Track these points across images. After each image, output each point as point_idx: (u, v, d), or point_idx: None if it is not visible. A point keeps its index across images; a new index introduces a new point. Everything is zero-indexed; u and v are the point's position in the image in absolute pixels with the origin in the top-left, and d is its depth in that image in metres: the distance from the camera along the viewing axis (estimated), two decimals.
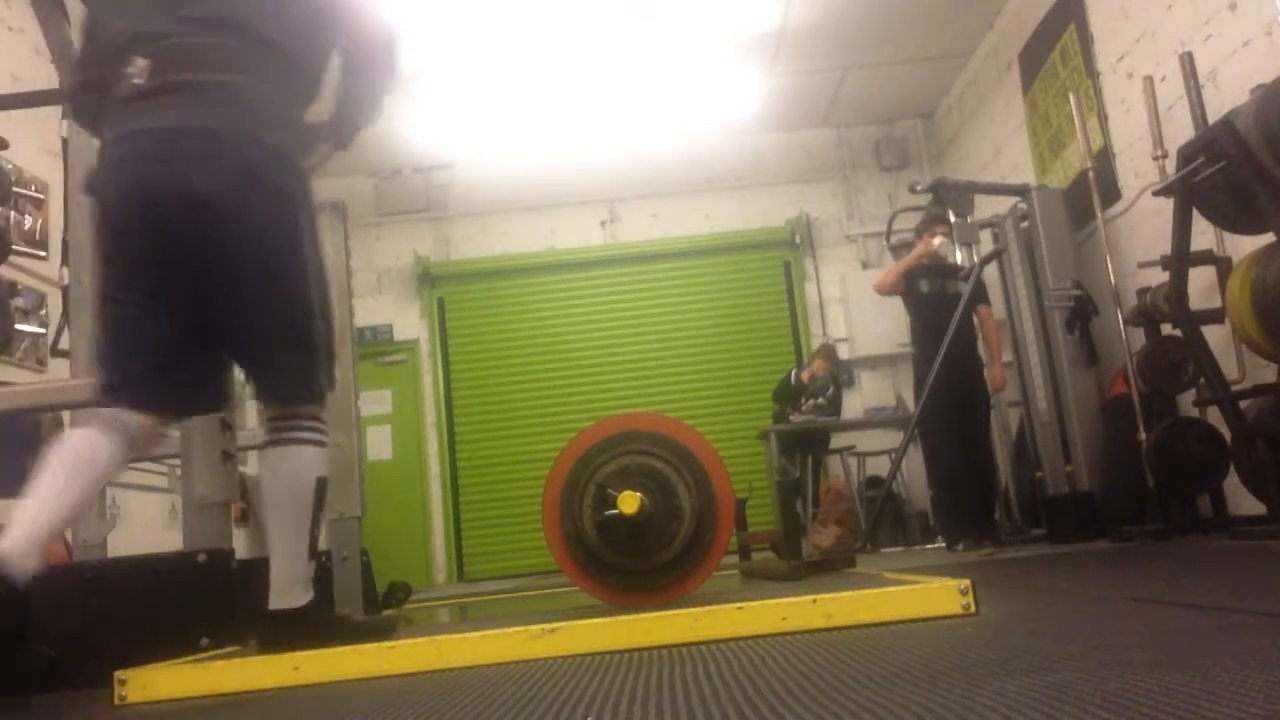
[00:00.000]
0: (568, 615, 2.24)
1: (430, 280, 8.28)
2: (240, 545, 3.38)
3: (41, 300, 4.66)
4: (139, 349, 2.07)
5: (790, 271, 8.33)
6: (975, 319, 5.23)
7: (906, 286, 5.23)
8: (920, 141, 8.45)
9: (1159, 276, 4.32)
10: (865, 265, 8.22)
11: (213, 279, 2.03)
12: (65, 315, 3.21)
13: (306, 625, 2.08)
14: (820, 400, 6.66)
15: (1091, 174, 4.91)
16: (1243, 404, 3.70)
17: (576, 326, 8.26)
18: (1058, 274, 5.27)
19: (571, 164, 8.15)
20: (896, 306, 5.96)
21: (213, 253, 2.01)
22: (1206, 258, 4.15)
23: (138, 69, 2.01)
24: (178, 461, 2.63)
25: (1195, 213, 3.83)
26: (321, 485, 2.14)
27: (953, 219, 5.15)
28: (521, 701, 1.33)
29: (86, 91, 2.19)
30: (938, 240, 5.14)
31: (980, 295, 5.22)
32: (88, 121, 2.28)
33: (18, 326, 4.35)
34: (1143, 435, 4.30)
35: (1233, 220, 3.83)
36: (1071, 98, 5.14)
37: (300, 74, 2.19)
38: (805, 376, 6.91)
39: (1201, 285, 4.20)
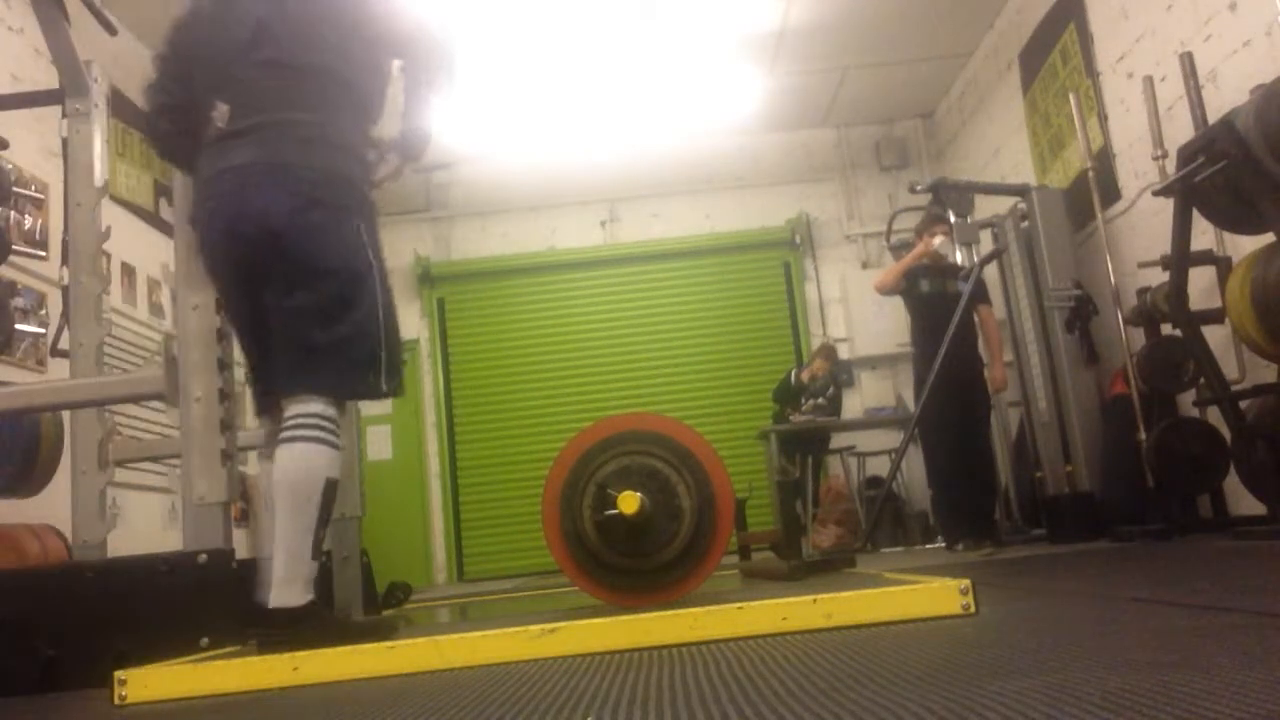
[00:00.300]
0: (568, 615, 2.24)
1: (430, 280, 8.28)
2: (240, 545, 3.37)
3: (41, 300, 4.65)
4: (257, 373, 2.40)
5: (790, 271, 8.33)
6: (976, 318, 5.23)
7: (907, 286, 5.22)
8: (920, 141, 8.45)
9: (1159, 276, 4.32)
10: (865, 265, 8.22)
11: (285, 293, 2.24)
12: (65, 315, 3.22)
13: (306, 625, 2.09)
14: (820, 400, 6.66)
15: (1091, 174, 4.91)
16: (1243, 404, 3.70)
17: (576, 326, 8.25)
18: (1058, 274, 5.27)
19: (572, 164, 8.15)
20: (896, 306, 5.96)
21: (280, 267, 2.23)
22: (1206, 258, 4.15)
23: (221, 114, 2.29)
24: (178, 461, 2.62)
25: (1195, 213, 3.83)
26: (331, 486, 2.18)
27: (953, 219, 5.15)
28: (522, 701, 1.33)
29: (174, 126, 2.43)
30: (938, 240, 5.14)
31: (981, 295, 5.22)
32: (177, 159, 2.51)
33: (18, 326, 4.35)
34: (1143, 435, 4.30)
35: (1233, 220, 3.83)
36: (1071, 98, 5.14)
37: (363, 98, 2.42)
38: (805, 376, 6.91)
39: (1201, 285, 4.20)
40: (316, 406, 2.20)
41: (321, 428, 2.19)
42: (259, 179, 2.23)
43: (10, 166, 4.27)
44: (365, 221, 2.32)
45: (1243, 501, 4.13)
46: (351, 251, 2.26)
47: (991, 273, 5.66)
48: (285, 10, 2.35)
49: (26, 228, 4.64)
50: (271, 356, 2.28)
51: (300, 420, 2.19)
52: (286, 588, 2.12)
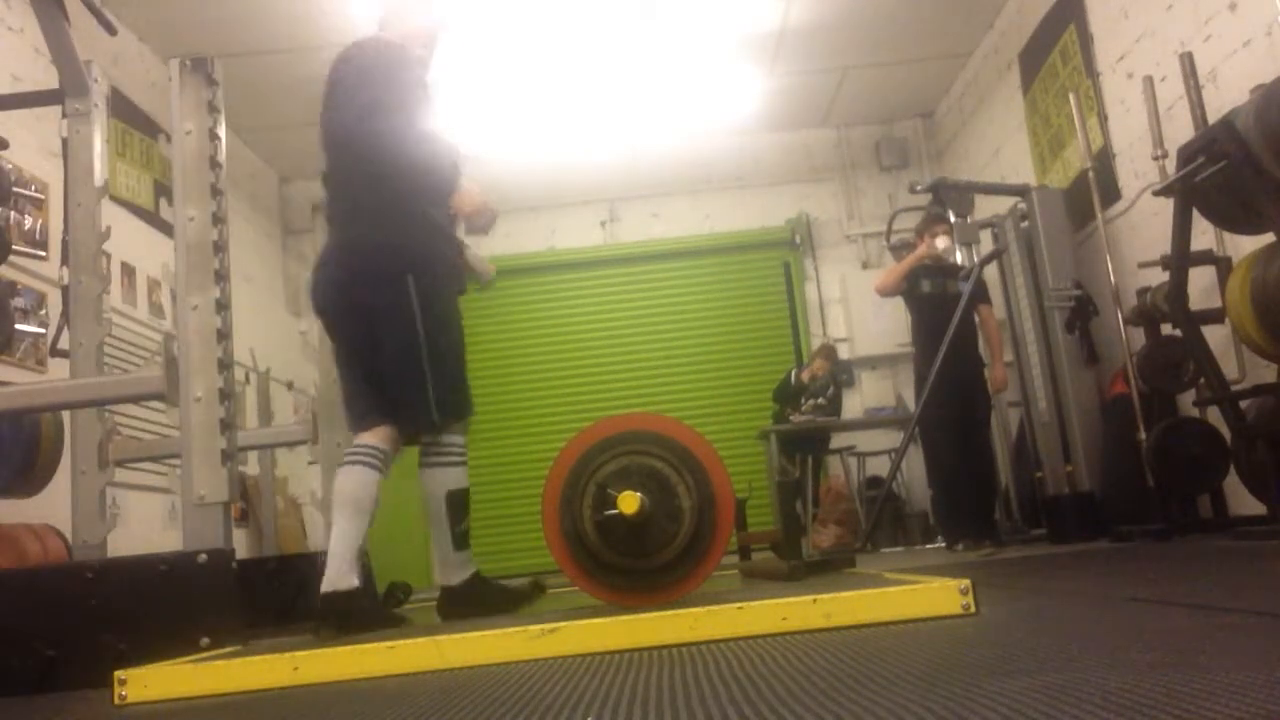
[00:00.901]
0: (568, 615, 2.24)
1: None
2: (240, 545, 3.37)
3: (41, 300, 4.65)
4: (351, 394, 2.95)
5: (790, 271, 8.31)
6: (976, 318, 5.23)
7: (908, 287, 5.23)
8: (920, 141, 8.45)
9: (1159, 276, 4.32)
10: (865, 265, 8.22)
11: (359, 344, 2.81)
12: (65, 315, 3.22)
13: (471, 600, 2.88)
14: (820, 400, 6.66)
15: (1091, 174, 4.91)
16: (1243, 404, 3.70)
17: (576, 326, 8.25)
18: (1058, 274, 5.27)
19: (572, 163, 8.15)
20: (896, 306, 5.96)
21: (351, 326, 2.81)
22: (1206, 258, 4.15)
23: (324, 199, 2.92)
24: (178, 461, 2.63)
25: (1195, 213, 3.83)
26: (453, 496, 2.94)
27: (953, 219, 5.15)
28: (522, 702, 1.33)
29: None
30: (940, 241, 5.14)
31: (981, 295, 5.22)
32: None
33: (18, 326, 4.34)
34: (1143, 435, 4.30)
35: (1233, 220, 3.83)
36: (1071, 98, 5.14)
37: (405, 155, 2.73)
38: (805, 376, 6.91)
39: (1201, 285, 4.20)
40: (446, 436, 2.94)
41: (445, 452, 2.96)
42: (325, 263, 2.81)
43: (10, 166, 4.27)
44: (418, 274, 2.71)
45: (1243, 501, 4.13)
46: (399, 311, 2.70)
47: (991, 273, 5.66)
48: (331, 99, 2.81)
49: (26, 228, 4.64)
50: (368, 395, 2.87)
51: (428, 448, 2.97)
52: (444, 571, 3.06)
